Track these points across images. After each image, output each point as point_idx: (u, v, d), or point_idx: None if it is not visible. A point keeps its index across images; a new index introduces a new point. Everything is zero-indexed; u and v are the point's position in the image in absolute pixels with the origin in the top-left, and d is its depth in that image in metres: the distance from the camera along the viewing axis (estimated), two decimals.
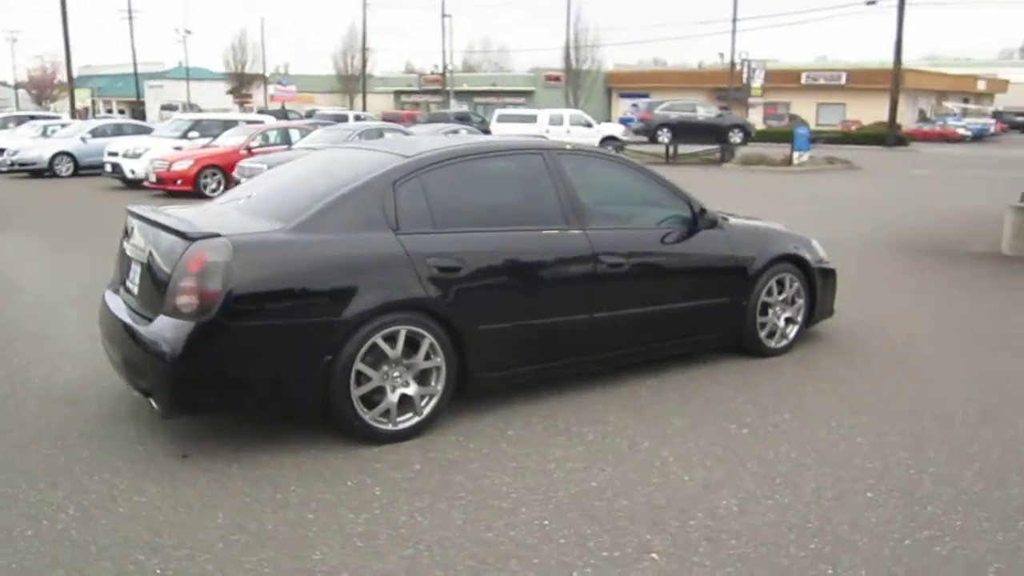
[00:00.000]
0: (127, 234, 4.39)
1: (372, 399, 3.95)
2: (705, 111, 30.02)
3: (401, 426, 4.03)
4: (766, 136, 35.11)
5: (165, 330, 3.64)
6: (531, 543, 3.17)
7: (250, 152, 15.63)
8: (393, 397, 4.00)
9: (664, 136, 29.15)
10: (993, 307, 7.48)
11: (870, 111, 50.72)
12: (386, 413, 3.99)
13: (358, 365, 3.86)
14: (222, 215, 4.20)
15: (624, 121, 40.01)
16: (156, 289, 3.81)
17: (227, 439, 4.00)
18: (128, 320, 3.94)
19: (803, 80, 54.36)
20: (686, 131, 29.08)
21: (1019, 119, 62.19)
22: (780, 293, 5.58)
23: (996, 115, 58.71)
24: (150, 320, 3.76)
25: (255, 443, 3.96)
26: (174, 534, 3.16)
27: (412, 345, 4.01)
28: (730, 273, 5.30)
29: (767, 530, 3.30)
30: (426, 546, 3.12)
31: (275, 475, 3.68)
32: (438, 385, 4.12)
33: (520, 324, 4.35)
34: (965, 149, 43.52)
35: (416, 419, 4.07)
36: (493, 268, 4.26)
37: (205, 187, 15.27)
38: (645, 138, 29.91)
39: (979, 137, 50.72)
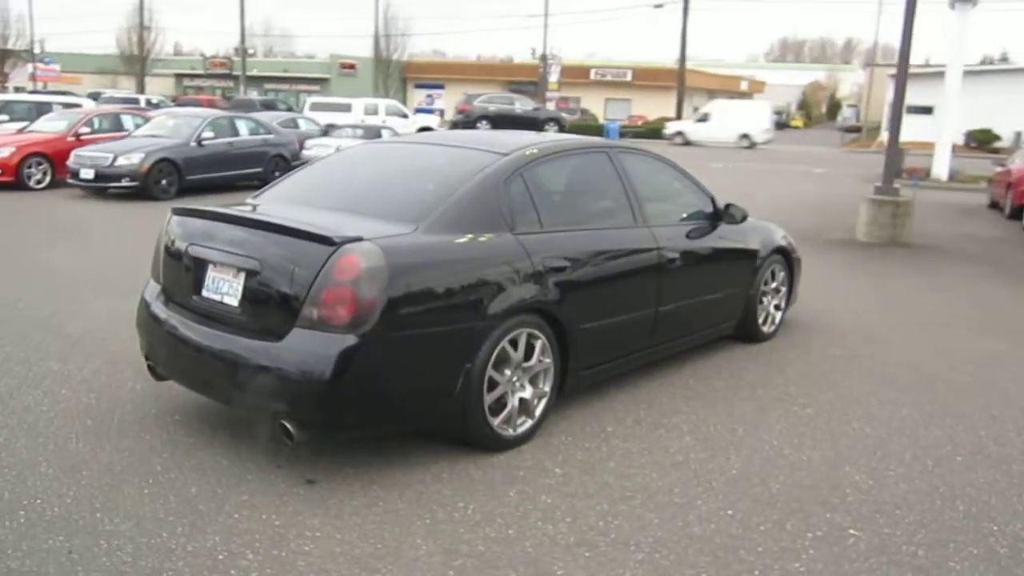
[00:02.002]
0: (180, 239, 3.89)
1: (494, 406, 3.81)
2: (521, 104, 30.86)
3: (520, 431, 3.93)
4: (577, 129, 36.64)
5: (310, 345, 3.29)
6: (736, 532, 3.24)
7: (79, 140, 14.01)
8: (514, 401, 3.88)
9: (483, 128, 29.65)
10: (896, 287, 8.45)
11: (654, 107, 54.44)
12: (508, 419, 3.87)
13: (489, 371, 3.72)
14: (315, 215, 3.80)
15: (421, 111, 40.10)
16: (280, 300, 3.42)
17: (335, 460, 3.68)
18: (227, 336, 3.51)
19: (592, 76, 57.14)
20: (504, 123, 29.83)
21: (774, 116, 69.31)
22: (772, 282, 5.99)
23: None
24: (275, 335, 3.37)
25: (368, 462, 3.68)
26: (390, 567, 2.90)
27: (528, 347, 3.92)
28: (744, 264, 5.62)
29: (916, 498, 3.59)
30: (650, 548, 3.10)
31: (428, 493, 3.45)
32: (546, 386, 4.05)
33: (607, 321, 4.37)
34: (561, 135, 47.86)
35: (530, 423, 3.98)
36: (591, 267, 4.24)
37: (29, 178, 13.49)
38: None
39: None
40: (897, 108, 11.20)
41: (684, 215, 5.20)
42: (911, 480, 3.78)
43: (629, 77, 57.78)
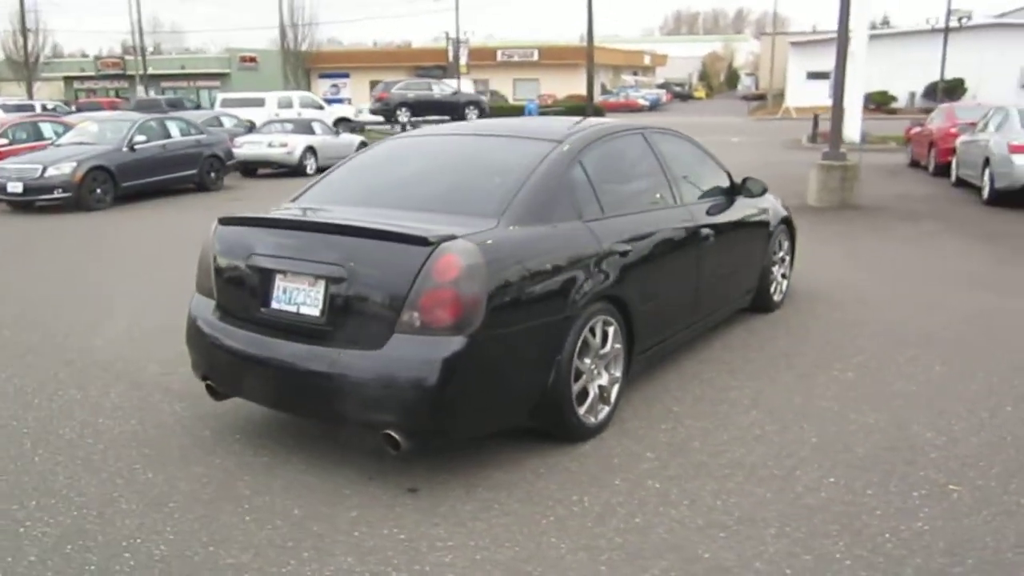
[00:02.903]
0: (237, 250, 3.70)
1: (579, 395, 3.78)
2: (440, 89, 30.53)
3: (600, 418, 3.91)
4: (494, 112, 36.51)
5: (414, 351, 3.17)
6: (848, 499, 3.31)
7: None
8: (594, 389, 3.86)
9: (403, 115, 29.29)
10: (864, 248, 8.78)
11: (562, 85, 54.86)
12: (591, 407, 3.85)
13: (576, 361, 3.69)
14: (387, 216, 3.65)
15: (332, 101, 39.33)
16: (374, 307, 3.28)
17: (425, 466, 3.58)
18: (315, 349, 3.35)
19: (499, 57, 57.10)
20: (424, 109, 29.56)
21: (677, 89, 70.96)
22: (779, 251, 6.13)
23: (663, 86, 66.32)
24: (372, 344, 3.24)
25: (457, 464, 3.60)
26: (540, 570, 2.85)
27: (603, 334, 3.90)
28: (760, 236, 5.74)
29: (990, 450, 3.75)
30: (778, 522, 3.13)
31: (535, 490, 3.40)
32: (617, 372, 4.04)
33: (661, 302, 4.39)
34: (651, 117, 48.76)
35: (607, 410, 3.97)
36: (647, 249, 4.23)
37: None
38: (381, 118, 29.86)
39: (655, 106, 57.13)
40: (839, 77, 11.57)
41: (707, 190, 5.25)
42: (978, 433, 3.94)
43: (536, 57, 58.01)
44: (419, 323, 3.18)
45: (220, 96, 30.31)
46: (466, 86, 33.82)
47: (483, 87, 56.24)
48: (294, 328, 3.47)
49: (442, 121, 29.51)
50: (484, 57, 54.77)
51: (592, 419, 3.85)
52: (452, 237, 3.25)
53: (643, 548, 2.97)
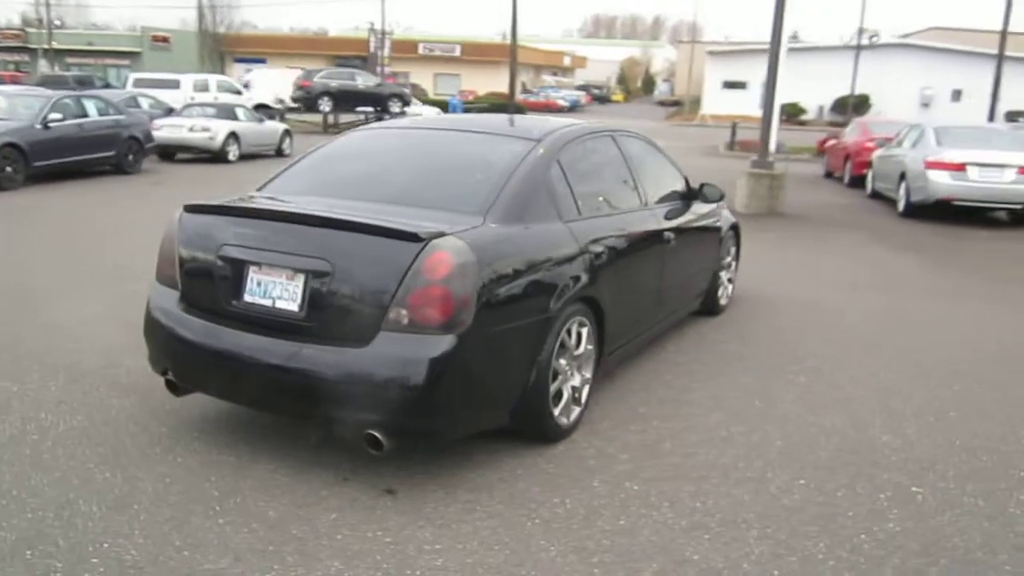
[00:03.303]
0: (205, 240, 3.53)
1: (554, 396, 3.77)
2: (363, 80, 30.03)
3: (572, 419, 3.91)
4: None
5: (402, 350, 3.08)
6: (821, 500, 3.39)
7: None
8: (567, 391, 3.85)
9: (325, 105, 28.69)
10: (796, 255, 9.07)
11: (483, 82, 54.85)
12: (564, 408, 3.84)
13: (554, 362, 3.67)
14: (366, 209, 3.53)
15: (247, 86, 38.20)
16: (359, 303, 3.17)
17: (400, 467, 3.50)
18: (293, 345, 3.23)
19: (420, 51, 56.64)
20: (347, 100, 29.02)
21: (596, 91, 71.92)
22: (728, 256, 6.27)
23: (583, 88, 67.06)
24: (357, 341, 3.13)
25: (433, 466, 3.53)
26: (534, 573, 2.81)
27: (578, 335, 3.90)
28: (713, 240, 5.85)
29: (943, 452, 3.91)
30: (759, 523, 3.18)
31: (517, 492, 3.36)
32: (588, 372, 4.04)
33: (627, 304, 4.42)
34: (570, 118, 49.23)
35: (578, 410, 3.97)
36: (619, 251, 4.24)
37: None
38: (301, 106, 29.19)
39: (574, 108, 57.69)
40: (770, 88, 11.91)
41: (667, 193, 5.31)
42: (929, 436, 4.10)
43: (458, 52, 57.83)
44: (407, 321, 3.10)
45: (132, 76, 29.05)
46: (372, 79, 32.94)
47: (404, 80, 55.80)
48: (269, 323, 3.33)
49: (366, 113, 29.11)
50: (406, 50, 54.19)
51: (565, 420, 3.84)
52: (442, 234, 3.18)
53: (632, 550, 2.97)
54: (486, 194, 3.61)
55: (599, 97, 71.26)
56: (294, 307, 3.27)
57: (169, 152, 16.36)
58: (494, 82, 55.89)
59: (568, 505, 3.28)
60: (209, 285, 3.50)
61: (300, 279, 3.26)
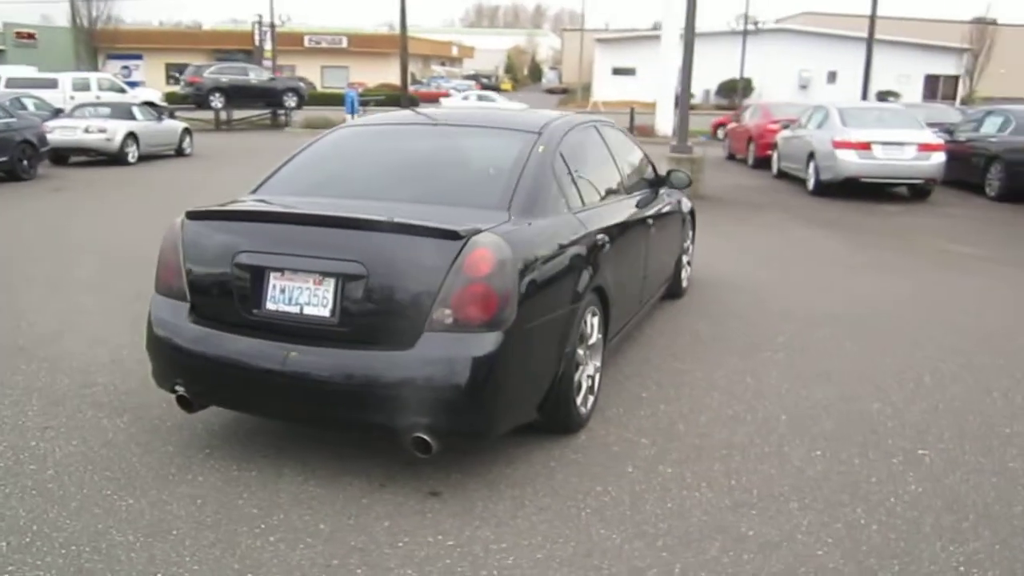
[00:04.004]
0: (217, 247, 3.37)
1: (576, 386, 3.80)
2: (256, 74, 29.11)
3: (588, 408, 3.95)
4: (313, 99, 35.30)
5: (449, 350, 3.03)
6: (843, 469, 3.56)
7: None
8: (585, 380, 3.89)
9: (217, 101, 27.69)
10: (730, 235, 9.40)
11: (372, 74, 54.05)
12: (583, 398, 3.88)
13: (578, 352, 3.70)
14: (378, 208, 3.44)
15: (132, 84, 36.60)
16: (399, 305, 3.10)
17: (432, 468, 3.46)
18: (332, 352, 3.13)
19: (307, 43, 55.25)
20: (240, 95, 28.11)
21: (485, 80, 71.98)
22: (687, 240, 6.45)
23: (473, 77, 66.98)
24: (399, 344, 3.06)
25: (466, 463, 3.50)
26: (608, 563, 2.84)
27: (590, 324, 3.94)
28: (678, 225, 6.00)
29: (933, 417, 4.17)
30: (796, 497, 3.31)
31: (558, 484, 3.37)
32: (598, 360, 4.10)
33: (623, 291, 4.49)
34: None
35: (592, 399, 4.02)
36: (617, 239, 4.29)
37: None
38: (194, 104, 28.11)
39: (466, 98, 57.52)
40: (687, 76, 12.23)
41: (640, 180, 5.41)
42: (914, 402, 4.36)
43: (345, 44, 56.75)
44: (451, 320, 3.06)
45: (3, 75, 27.12)
46: (265, 73, 31.85)
47: (290, 73, 54.32)
48: (297, 331, 3.22)
49: (260, 110, 28.16)
50: (291, 42, 52.77)
51: (583, 409, 3.88)
52: (479, 230, 3.15)
53: (689, 531, 3.04)
54: (504, 189, 3.59)
55: (489, 86, 71.40)
56: (325, 312, 3.17)
57: (62, 156, 15.39)
58: (383, 74, 55.17)
59: (612, 493, 3.32)
60: (224, 295, 3.35)
61: (330, 283, 3.16)
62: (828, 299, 6.52)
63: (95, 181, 13.69)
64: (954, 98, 44.00)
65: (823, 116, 13.17)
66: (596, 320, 3.97)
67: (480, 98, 39.08)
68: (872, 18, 27.99)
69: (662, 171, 5.71)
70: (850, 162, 11.88)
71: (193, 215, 3.49)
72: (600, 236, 4.02)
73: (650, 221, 4.99)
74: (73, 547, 2.87)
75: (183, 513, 3.11)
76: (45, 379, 4.49)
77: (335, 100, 39.24)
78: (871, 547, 2.95)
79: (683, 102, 12.54)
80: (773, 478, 3.48)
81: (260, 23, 35.97)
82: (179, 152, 17.56)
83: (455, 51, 74.09)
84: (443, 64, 70.86)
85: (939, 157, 11.90)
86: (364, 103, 30.87)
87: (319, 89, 49.07)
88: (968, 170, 13.01)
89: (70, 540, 2.91)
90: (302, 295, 3.21)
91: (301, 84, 30.07)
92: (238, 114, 28.25)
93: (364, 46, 56.56)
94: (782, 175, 14.82)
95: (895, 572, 2.80)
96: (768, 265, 7.82)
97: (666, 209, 5.60)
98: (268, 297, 3.26)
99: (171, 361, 3.47)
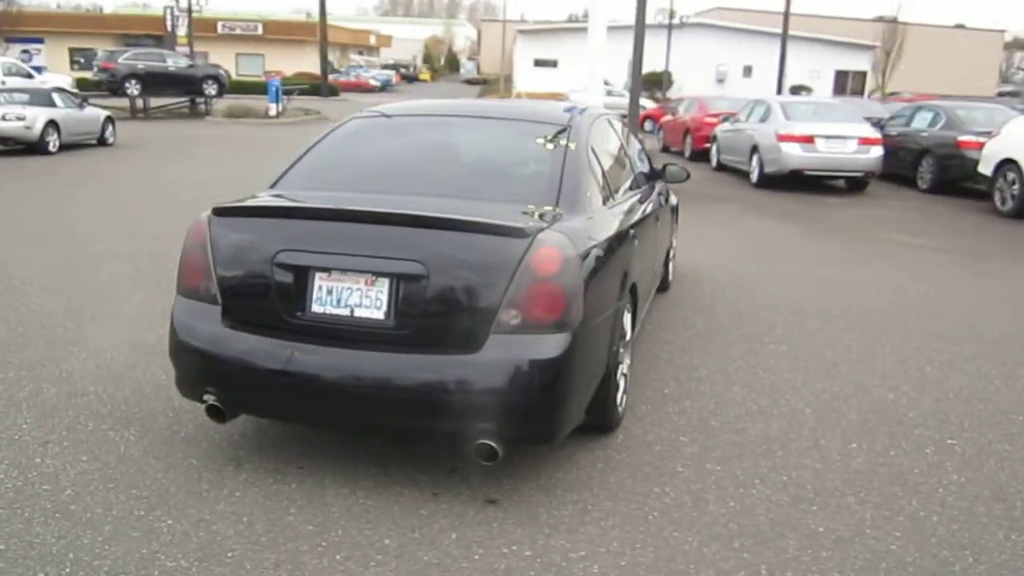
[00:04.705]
0: (254, 246, 3.15)
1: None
2: (174, 61, 27.91)
3: (622, 407, 3.89)
4: (233, 87, 34.07)
5: (519, 351, 2.89)
6: (883, 461, 3.60)
7: None
8: (622, 379, 3.83)
9: (133, 88, 26.43)
10: (692, 228, 9.47)
11: (289, 62, 52.67)
12: (621, 397, 3.81)
13: (620, 349, 3.63)
14: (421, 203, 3.28)
15: (37, 69, 34.79)
16: (463, 306, 2.95)
17: (485, 472, 3.32)
18: (392, 357, 2.97)
19: (220, 29, 53.34)
20: (157, 83, 26.90)
21: (403, 70, 71.24)
22: (674, 235, 6.46)
23: (392, 67, 66.16)
24: (464, 347, 2.92)
25: (511, 470, 3.39)
26: (692, 566, 2.78)
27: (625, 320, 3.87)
28: (669, 219, 5.98)
29: (947, 405, 4.27)
30: (850, 490, 3.32)
31: (613, 487, 3.30)
32: (629, 358, 4.04)
33: (644, 289, 4.45)
34: (385, 97, 48.52)
35: (625, 397, 3.96)
36: (640, 233, 4.23)
37: None
38: (108, 92, 26.79)
39: (386, 87, 56.86)
40: (637, 68, 12.29)
41: (642, 172, 5.37)
42: (925, 392, 4.46)
43: (260, 31, 55.02)
44: (518, 321, 2.93)
45: None
46: (183, 60, 30.54)
47: (204, 61, 52.33)
48: (347, 334, 3.03)
49: (178, 98, 27.01)
50: (203, 28, 50.66)
51: (620, 408, 3.81)
52: (542, 228, 3.03)
53: (761, 530, 3.01)
54: (549, 184, 3.48)
55: (407, 76, 70.71)
56: (379, 315, 2.99)
57: None
58: (301, 62, 53.82)
59: (671, 494, 3.26)
60: (263, 297, 3.13)
61: (384, 284, 2.99)
62: (808, 291, 6.64)
63: (19, 171, 12.84)
64: (862, 93, 45.80)
65: (764, 110, 13.45)
66: (629, 316, 3.91)
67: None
68: (786, 15, 28.86)
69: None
70: (794, 155, 12.18)
71: (223, 212, 3.26)
72: (631, 230, 3.95)
73: (656, 216, 4.95)
74: (122, 575, 2.63)
75: (232, 533, 2.89)
76: (28, 388, 4.15)
77: (253, 88, 38.10)
78: (939, 539, 2.98)
79: (634, 94, 12.60)
80: (821, 472, 3.48)
81: (174, 8, 34.39)
82: (101, 141, 16.68)
83: (373, 40, 72.90)
84: (360, 53, 69.66)
85: (878, 151, 12.32)
86: (288, 92, 30.00)
87: (234, 77, 47.54)
88: (899, 163, 13.51)
89: (116, 569, 2.67)
90: (352, 296, 3.03)
91: (221, 71, 28.96)
92: (155, 102, 27.08)
93: (280, 33, 54.98)
94: (722, 167, 15.09)
95: (969, 564, 2.83)
96: (741, 258, 7.92)
97: (663, 203, 5.57)
98: (314, 299, 3.06)
99: (202, 369, 3.22)
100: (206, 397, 3.22)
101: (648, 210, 4.75)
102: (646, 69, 46.50)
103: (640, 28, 12.08)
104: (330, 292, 3.05)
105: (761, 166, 12.81)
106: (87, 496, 3.12)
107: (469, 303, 2.95)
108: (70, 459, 3.41)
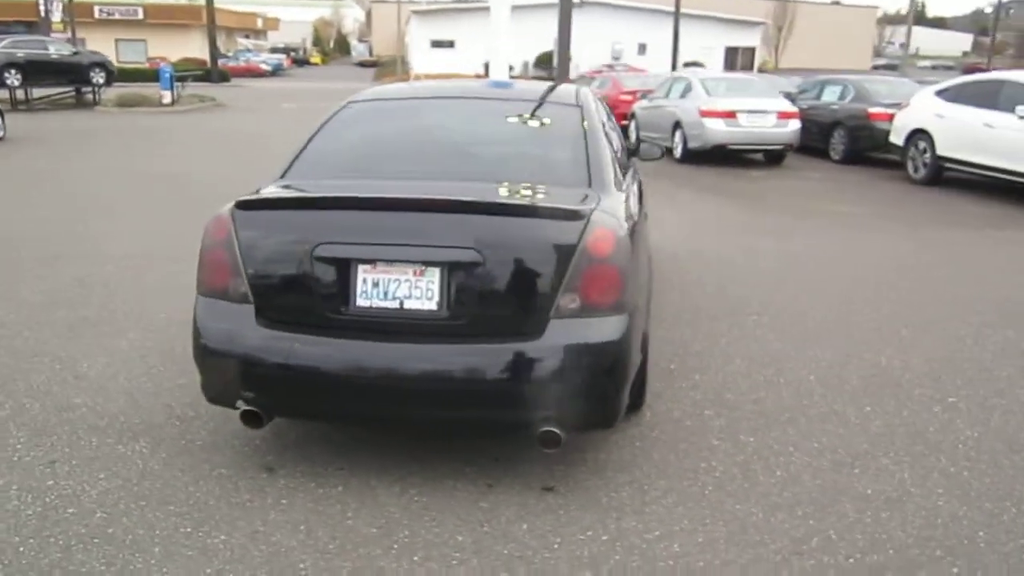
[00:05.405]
0: (289, 239, 3.00)
1: None
2: (57, 48, 26.21)
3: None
4: (123, 75, 32.33)
5: (581, 336, 2.85)
6: (898, 423, 3.75)
7: None
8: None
9: (13, 78, 24.67)
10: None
11: (173, 48, 50.44)
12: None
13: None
14: (456, 188, 3.18)
15: None
16: (521, 292, 2.88)
17: (519, 462, 3.29)
18: (450, 348, 2.88)
19: (97, 14, 50.50)
20: (39, 72, 25.16)
21: (294, 54, 69.23)
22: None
23: (283, 50, 64.10)
24: (523, 334, 2.85)
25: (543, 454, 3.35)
26: (767, 537, 2.82)
27: None
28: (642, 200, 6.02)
29: (940, 367, 4.48)
30: (894, 465, 3.45)
31: (661, 465, 3.32)
32: None
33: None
34: (280, 82, 47.21)
35: None
36: (644, 212, 4.26)
37: None
38: None
39: (277, 71, 55.17)
40: (563, 49, 12.30)
41: (624, 150, 5.35)
42: (911, 354, 4.66)
43: (140, 15, 52.41)
44: (577, 305, 2.89)
45: None
46: (66, 47, 28.75)
47: (81, 47, 49.35)
48: (397, 328, 2.92)
49: (63, 87, 25.38)
50: (80, 13, 47.74)
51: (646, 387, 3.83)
52: (593, 209, 2.99)
53: (815, 497, 3.08)
54: (578, 164, 3.44)
55: (299, 60, 68.86)
56: (431, 306, 2.89)
57: None
58: (185, 47, 51.61)
59: (719, 468, 3.30)
60: (301, 293, 2.98)
61: (434, 273, 2.89)
62: (767, 263, 6.83)
63: None
64: (751, 68, 47.41)
65: (684, 87, 13.73)
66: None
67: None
68: None
69: None
70: (717, 130, 12.49)
71: (248, 205, 3.07)
72: (645, 211, 3.96)
73: (642, 192, 4.97)
74: None
75: (295, 543, 2.76)
76: (7, 405, 3.84)
77: (137, 76, 36.27)
78: (978, 493, 3.13)
79: (560, 72, 12.63)
80: (846, 437, 3.60)
81: None
82: None
83: (260, 23, 70.47)
84: (247, 37, 67.26)
85: (796, 124, 12.77)
86: (181, 78, 28.66)
87: (115, 64, 45.10)
88: (810, 135, 14.04)
89: None
90: (400, 288, 2.91)
91: (108, 59, 27.40)
92: (38, 92, 25.39)
93: (162, 18, 52.48)
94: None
95: (1014, 515, 2.98)
96: (692, 233, 8.06)
97: (640, 179, 5.60)
98: (358, 293, 2.93)
99: (236, 373, 3.04)
100: (240, 402, 3.04)
101: (642, 188, 4.77)
102: (541, 49, 46.69)
103: (566, 4, 12.10)
104: (376, 285, 2.92)
105: (685, 142, 13.08)
106: (121, 517, 2.91)
107: (527, 289, 2.89)
108: (86, 478, 3.18)
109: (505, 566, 2.64)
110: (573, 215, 2.91)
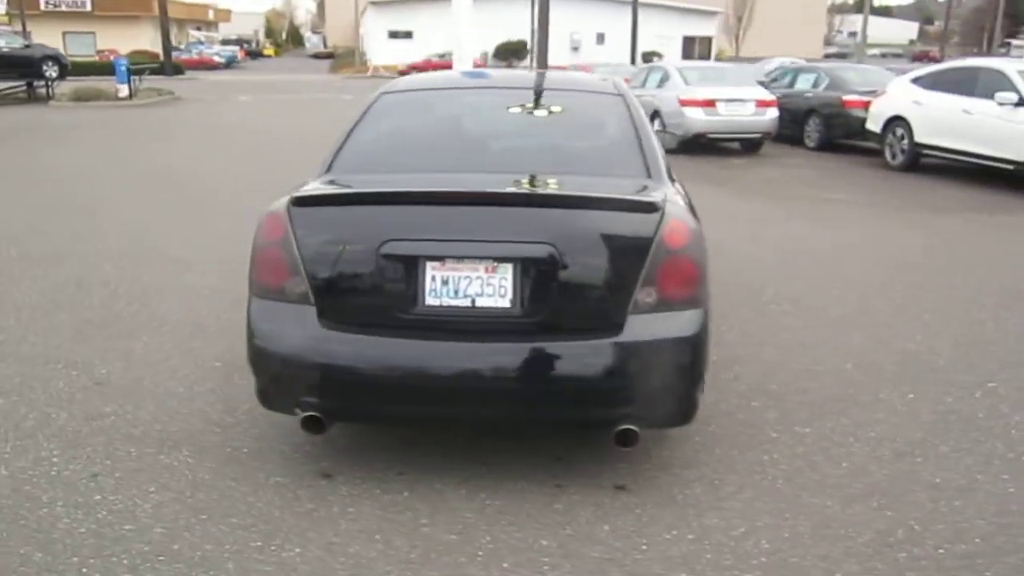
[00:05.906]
0: (355, 236, 2.88)
1: None
2: (7, 41, 25.31)
3: None
4: (77, 69, 31.32)
5: (660, 331, 2.78)
6: (943, 410, 3.76)
7: None
8: None
9: None
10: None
11: (122, 41, 49.20)
12: None
13: None
14: (510, 181, 3.09)
15: None
16: (597, 287, 2.80)
17: (588, 463, 3.23)
18: (529, 347, 2.79)
19: (43, 6, 49.01)
20: None
21: (247, 46, 68.02)
22: None
23: (236, 42, 62.92)
24: (602, 330, 2.78)
25: (601, 451, 3.26)
26: (849, 529, 2.80)
27: None
28: None
29: (966, 352, 4.52)
30: (939, 439, 3.46)
31: (723, 460, 3.28)
32: None
33: None
34: (234, 75, 46.35)
35: None
36: None
37: None
38: None
39: (231, 64, 54.17)
40: (543, 40, 12.21)
41: None
42: (938, 340, 4.70)
43: (88, 7, 50.99)
44: (654, 299, 2.82)
45: None
46: (16, 40, 27.80)
47: (27, 40, 47.80)
48: (468, 326, 2.83)
49: (14, 81, 24.49)
50: (25, 5, 46.42)
51: None
52: (665, 201, 2.92)
53: (885, 488, 3.06)
54: (633, 156, 3.37)
55: (252, 52, 67.72)
56: (504, 303, 2.80)
57: None
58: (135, 40, 50.36)
59: (783, 461, 3.27)
60: (368, 293, 2.87)
61: (507, 269, 2.80)
62: (770, 251, 6.84)
63: None
64: (708, 57, 47.82)
65: (662, 76, 13.74)
66: None
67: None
68: None
69: None
70: (697, 119, 12.52)
71: (306, 201, 2.95)
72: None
73: None
74: None
75: (374, 554, 2.66)
76: (32, 416, 3.65)
77: (87, 70, 35.19)
78: None
79: (540, 62, 12.53)
80: (896, 426, 3.59)
81: None
82: None
83: (211, 15, 69.03)
84: (199, 28, 65.88)
85: (774, 112, 12.86)
86: (138, 72, 27.90)
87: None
88: (784, 123, 14.15)
89: None
90: (471, 286, 2.81)
91: (61, 52, 26.55)
92: None
93: (110, 10, 51.09)
94: None
95: None
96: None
97: None
98: (427, 291, 2.82)
99: (298, 377, 2.91)
100: (300, 408, 2.92)
101: None
102: (503, 39, 46.53)
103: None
104: (445, 282, 2.82)
105: (663, 131, 13.08)
106: (184, 532, 2.77)
107: (605, 284, 2.82)
108: (136, 492, 3.02)
109: (599, 569, 2.57)
110: (649, 207, 2.84)
